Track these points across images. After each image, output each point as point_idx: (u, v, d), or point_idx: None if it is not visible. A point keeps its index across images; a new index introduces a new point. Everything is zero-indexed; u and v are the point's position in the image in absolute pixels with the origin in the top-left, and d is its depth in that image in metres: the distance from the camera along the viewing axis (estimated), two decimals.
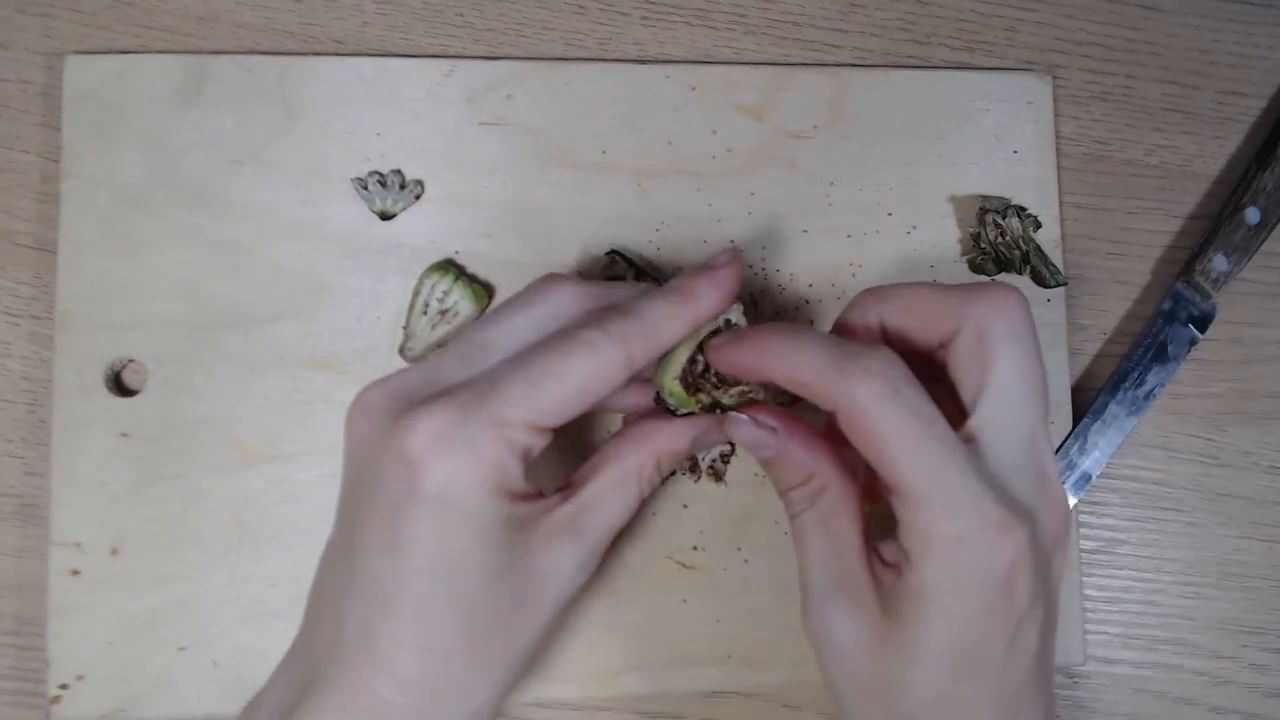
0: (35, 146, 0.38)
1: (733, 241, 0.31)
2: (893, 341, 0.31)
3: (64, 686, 0.35)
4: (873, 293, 0.31)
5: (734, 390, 0.31)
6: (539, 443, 0.28)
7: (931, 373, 0.30)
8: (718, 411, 0.31)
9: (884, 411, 0.26)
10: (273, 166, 0.37)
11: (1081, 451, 0.40)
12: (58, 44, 0.38)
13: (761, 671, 0.37)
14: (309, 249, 0.37)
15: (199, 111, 0.37)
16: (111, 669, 0.35)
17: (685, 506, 0.38)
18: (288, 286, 0.37)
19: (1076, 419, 0.40)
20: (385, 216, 0.38)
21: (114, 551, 0.35)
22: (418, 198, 0.38)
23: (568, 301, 0.30)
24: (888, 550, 0.29)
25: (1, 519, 0.36)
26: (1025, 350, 0.29)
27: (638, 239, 0.39)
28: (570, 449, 0.37)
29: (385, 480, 0.27)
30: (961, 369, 0.29)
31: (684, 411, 0.31)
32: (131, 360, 0.37)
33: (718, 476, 0.38)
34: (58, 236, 0.36)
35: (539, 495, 0.29)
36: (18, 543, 0.36)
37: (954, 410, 0.29)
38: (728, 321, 0.31)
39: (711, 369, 0.31)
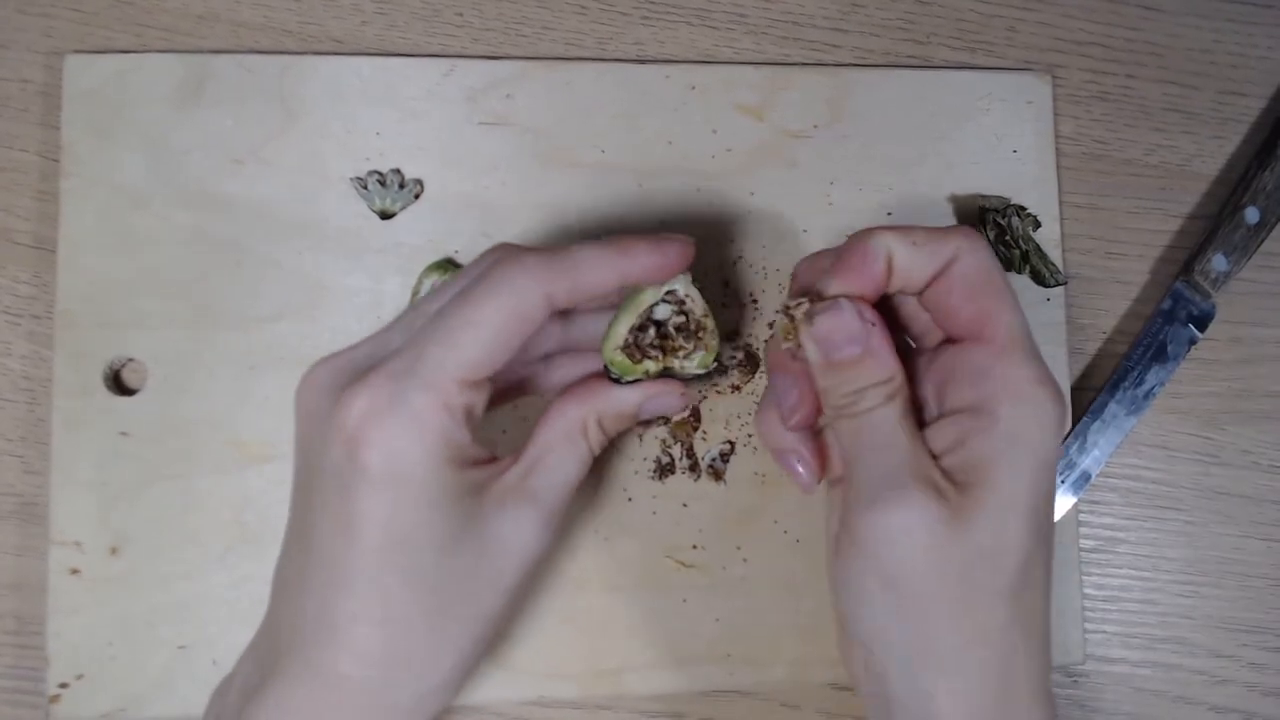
0: (35, 146, 0.38)
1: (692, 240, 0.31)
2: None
3: (64, 686, 0.35)
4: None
5: (693, 356, 0.31)
6: (478, 399, 0.28)
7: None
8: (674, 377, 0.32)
9: (997, 265, 0.30)
10: (273, 166, 0.37)
11: (1081, 451, 0.40)
12: (58, 43, 0.38)
13: (761, 670, 0.37)
14: (309, 249, 0.37)
15: (199, 111, 0.37)
16: (111, 669, 0.35)
17: (685, 506, 0.38)
18: (288, 286, 0.37)
19: (1076, 418, 0.40)
20: (385, 216, 0.38)
21: (114, 551, 0.35)
22: (417, 197, 0.38)
23: None
24: (935, 436, 0.29)
25: (1, 518, 0.36)
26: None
27: None
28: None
29: (330, 459, 0.27)
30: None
31: (629, 379, 0.31)
32: (131, 360, 0.37)
33: (717, 476, 0.38)
34: (57, 236, 0.36)
35: (491, 460, 0.29)
36: (18, 542, 0.36)
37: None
38: (671, 292, 0.31)
39: (663, 338, 0.31)
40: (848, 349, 0.29)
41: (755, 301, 0.39)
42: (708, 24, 0.41)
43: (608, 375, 0.31)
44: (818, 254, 0.33)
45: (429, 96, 0.38)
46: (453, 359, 0.27)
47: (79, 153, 0.37)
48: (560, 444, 0.30)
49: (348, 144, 0.38)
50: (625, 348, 0.31)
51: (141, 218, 0.37)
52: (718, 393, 0.38)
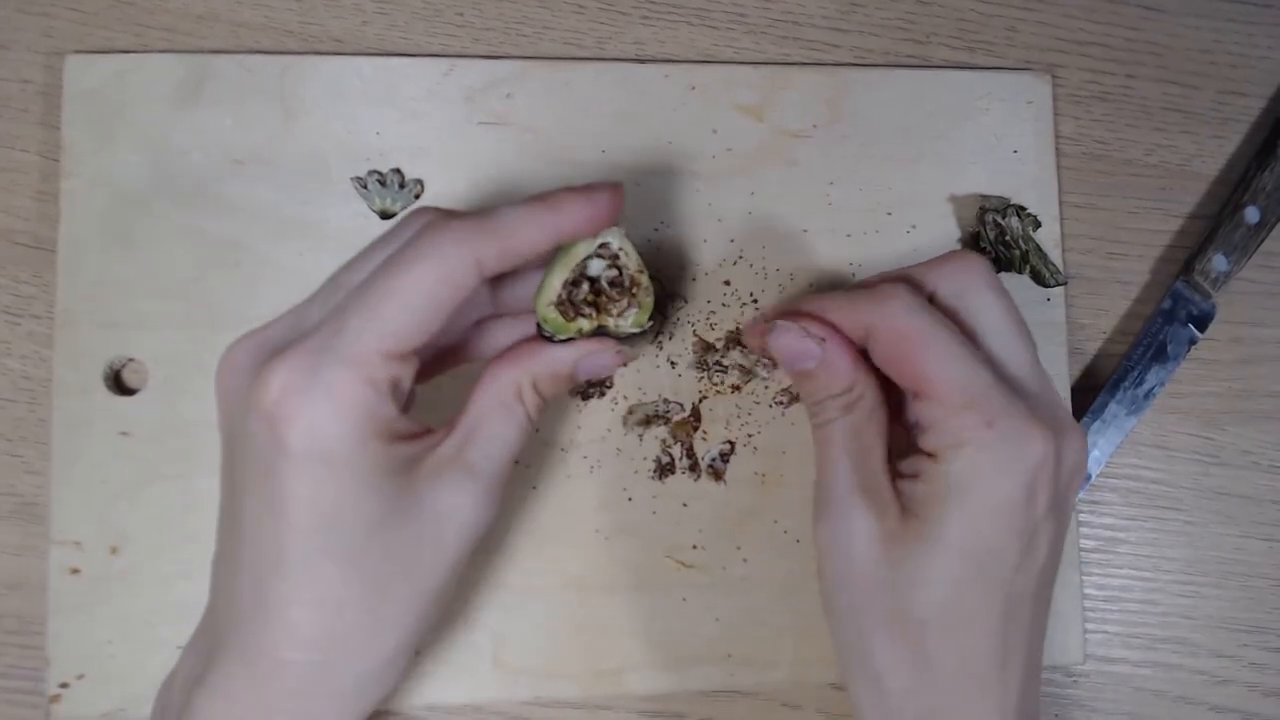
0: (35, 146, 0.38)
1: (620, 184, 0.30)
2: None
3: (64, 685, 0.35)
4: (854, 288, 0.33)
5: (628, 313, 0.30)
6: (404, 372, 0.27)
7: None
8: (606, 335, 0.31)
9: (919, 323, 0.29)
10: (273, 166, 0.37)
11: None
12: (58, 44, 0.38)
13: (761, 670, 0.37)
14: (309, 249, 0.37)
15: (199, 111, 0.37)
16: (111, 668, 0.35)
17: (685, 506, 0.38)
18: (288, 286, 0.37)
19: (1076, 418, 0.40)
20: (385, 216, 0.38)
21: (114, 551, 0.35)
22: (417, 197, 0.38)
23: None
24: (908, 464, 0.30)
25: (1, 518, 0.36)
26: (1003, 295, 0.31)
27: (638, 239, 0.38)
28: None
29: (253, 439, 0.26)
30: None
31: (562, 337, 0.30)
32: (131, 360, 0.37)
33: (718, 476, 0.38)
34: (57, 236, 0.36)
35: (425, 433, 0.28)
36: (18, 542, 0.36)
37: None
38: (605, 245, 0.30)
39: (598, 295, 0.30)
40: (803, 362, 0.31)
41: (755, 301, 0.39)
42: (708, 24, 0.41)
43: (540, 334, 0.30)
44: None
45: (429, 96, 0.38)
46: (373, 330, 0.26)
47: (79, 153, 0.37)
48: (495, 411, 0.29)
49: (348, 144, 0.38)
50: (559, 304, 0.30)
51: (141, 218, 0.37)
52: (718, 393, 0.38)
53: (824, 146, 0.40)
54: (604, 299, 0.30)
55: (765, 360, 0.38)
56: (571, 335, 0.30)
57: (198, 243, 0.37)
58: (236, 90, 0.37)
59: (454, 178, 0.38)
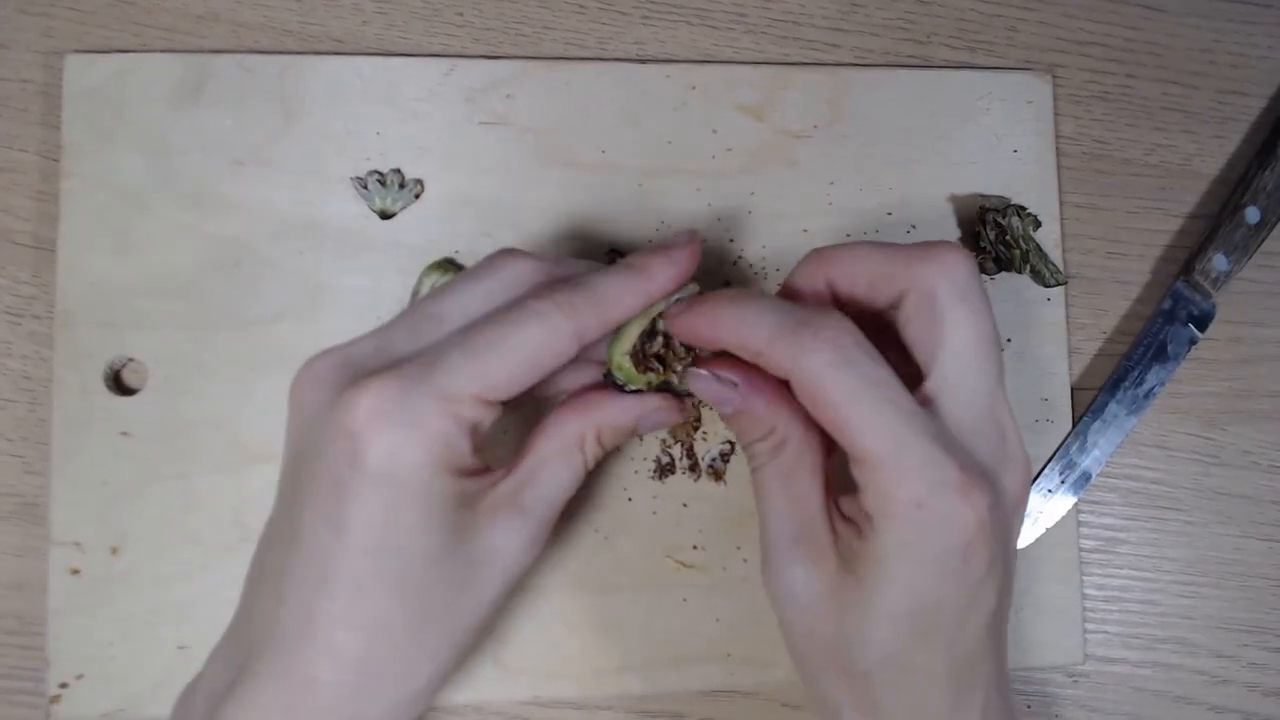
0: (35, 146, 0.38)
1: (696, 231, 0.30)
2: (843, 303, 0.31)
3: (64, 686, 0.35)
4: (818, 254, 0.31)
5: (689, 370, 0.31)
6: (487, 417, 0.27)
7: (887, 335, 0.30)
8: (671, 392, 0.32)
9: (836, 379, 0.26)
10: (273, 166, 0.37)
11: (1081, 451, 0.40)
12: (58, 43, 0.38)
13: (761, 670, 0.37)
14: (309, 249, 0.37)
15: (199, 111, 0.37)
16: (111, 669, 0.35)
17: (685, 506, 0.38)
18: (288, 286, 0.37)
19: (1076, 419, 0.40)
20: (385, 216, 0.38)
21: (114, 551, 0.35)
22: (417, 197, 0.38)
23: (522, 274, 0.29)
24: (849, 506, 0.29)
25: (1, 519, 0.36)
26: (976, 309, 0.28)
27: (638, 239, 0.39)
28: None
29: (328, 455, 0.26)
30: (913, 331, 0.29)
31: (632, 388, 0.31)
32: (131, 360, 0.37)
33: (718, 476, 0.38)
34: (57, 236, 0.36)
35: (485, 470, 0.29)
36: (18, 542, 0.36)
37: (910, 371, 0.29)
38: (680, 301, 0.31)
39: (667, 349, 0.31)
40: (722, 406, 0.30)
41: None
42: (708, 24, 0.41)
43: (611, 382, 0.31)
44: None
45: (429, 96, 0.38)
46: (471, 372, 0.26)
47: (79, 153, 0.37)
48: (556, 457, 0.30)
49: (348, 144, 0.38)
50: (633, 355, 0.30)
51: (141, 218, 0.37)
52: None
53: (824, 146, 0.40)
54: (669, 354, 0.31)
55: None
56: (640, 387, 0.31)
57: (198, 243, 0.37)
58: (236, 90, 0.37)
59: (454, 178, 0.38)
